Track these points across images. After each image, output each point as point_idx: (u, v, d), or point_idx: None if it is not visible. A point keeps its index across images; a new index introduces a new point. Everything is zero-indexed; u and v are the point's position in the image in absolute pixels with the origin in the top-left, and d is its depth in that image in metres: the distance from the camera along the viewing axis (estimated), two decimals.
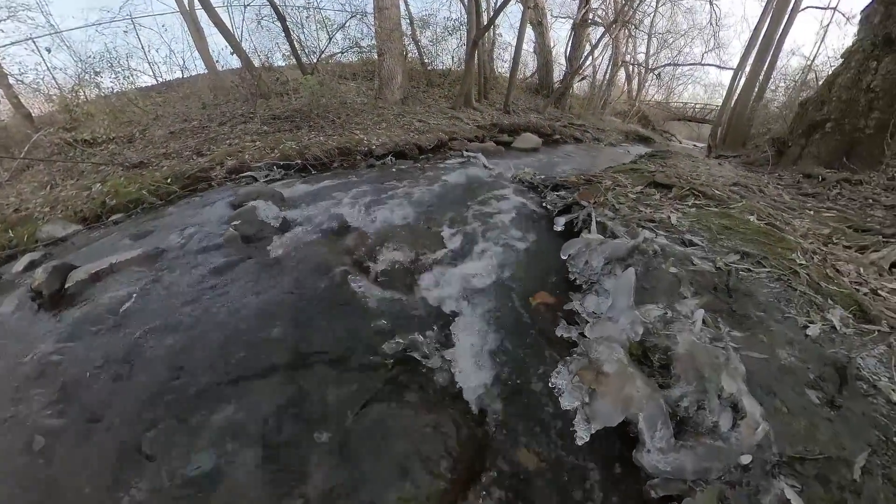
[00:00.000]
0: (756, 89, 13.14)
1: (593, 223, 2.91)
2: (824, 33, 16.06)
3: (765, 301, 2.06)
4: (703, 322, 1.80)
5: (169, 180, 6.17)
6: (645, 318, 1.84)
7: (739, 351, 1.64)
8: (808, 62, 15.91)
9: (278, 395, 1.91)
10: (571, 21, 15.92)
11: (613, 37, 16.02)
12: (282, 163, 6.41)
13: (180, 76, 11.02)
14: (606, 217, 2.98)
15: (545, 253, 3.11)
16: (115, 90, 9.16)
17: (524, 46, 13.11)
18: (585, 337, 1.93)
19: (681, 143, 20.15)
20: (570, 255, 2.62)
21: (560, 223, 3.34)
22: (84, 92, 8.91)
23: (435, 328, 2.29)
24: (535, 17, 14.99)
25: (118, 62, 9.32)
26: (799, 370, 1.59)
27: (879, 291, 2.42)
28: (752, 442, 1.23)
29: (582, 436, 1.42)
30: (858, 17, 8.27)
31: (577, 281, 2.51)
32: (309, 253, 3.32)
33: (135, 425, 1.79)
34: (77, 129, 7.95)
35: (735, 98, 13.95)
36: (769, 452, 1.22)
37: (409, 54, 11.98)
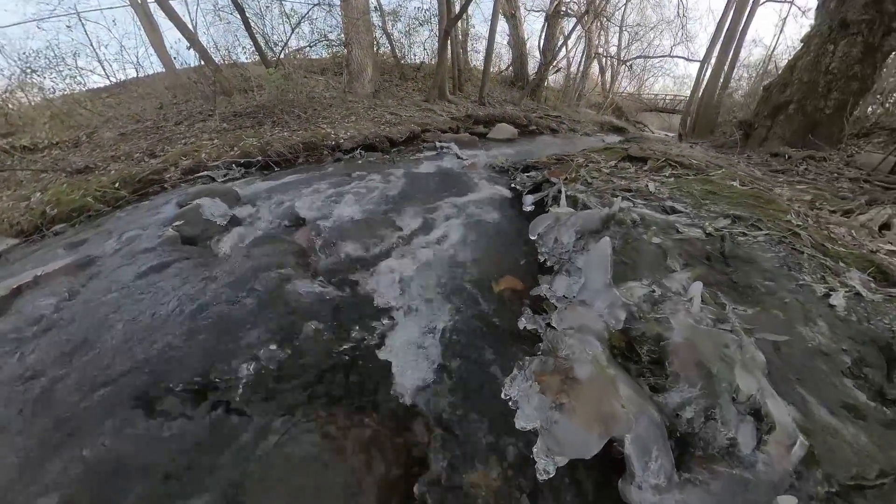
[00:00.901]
0: (722, 79, 13.67)
1: (563, 196, 2.54)
2: (783, 24, 16.72)
3: (770, 268, 1.69)
4: (702, 299, 1.43)
5: (117, 185, 5.56)
6: (627, 299, 1.46)
7: (752, 334, 1.28)
8: (769, 51, 16.40)
9: (180, 420, 1.48)
10: (544, 13, 15.69)
11: (586, 28, 15.88)
12: (242, 161, 5.86)
13: (135, 75, 10.19)
14: (577, 191, 2.62)
15: (513, 235, 2.74)
16: (60, 92, 8.31)
17: (499, 39, 12.81)
18: (552, 328, 1.52)
19: (653, 132, 20.26)
20: (538, 235, 2.26)
21: (528, 202, 2.95)
22: (25, 94, 8.05)
23: (381, 326, 1.90)
24: (509, 10, 14.67)
25: (62, 60, 8.44)
26: (831, 353, 1.23)
27: (878, 252, 2.17)
28: (787, 466, 0.85)
29: (545, 470, 1.02)
30: (815, 6, 8.49)
31: (547, 262, 2.13)
32: (252, 251, 2.85)
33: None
34: (14, 134, 7.15)
35: (702, 88, 14.53)
36: (813, 480, 0.85)
37: (381, 48, 11.47)
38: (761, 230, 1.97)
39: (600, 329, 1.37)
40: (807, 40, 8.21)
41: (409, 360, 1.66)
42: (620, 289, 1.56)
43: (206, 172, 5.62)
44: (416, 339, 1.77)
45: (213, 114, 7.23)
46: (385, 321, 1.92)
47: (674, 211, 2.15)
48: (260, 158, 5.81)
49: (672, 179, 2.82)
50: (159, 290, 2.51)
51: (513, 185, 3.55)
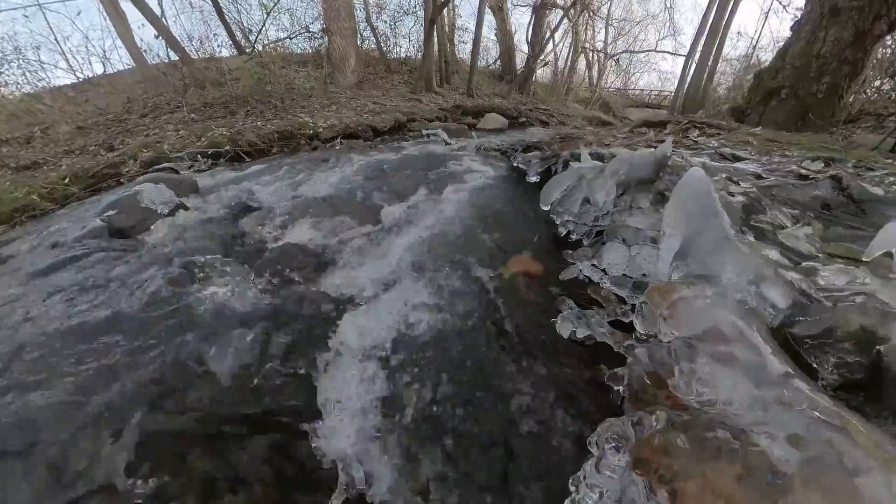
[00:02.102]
0: (706, 73, 13.65)
1: (585, 152, 2.00)
2: (765, 18, 16.68)
3: None
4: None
5: (67, 180, 4.88)
6: (783, 265, 0.82)
7: None
8: (752, 43, 16.38)
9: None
10: (531, 6, 15.26)
11: (573, 22, 15.51)
12: (209, 151, 5.22)
13: (102, 70, 9.38)
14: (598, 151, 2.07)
15: (518, 209, 2.20)
16: (20, 89, 7.53)
17: (486, 34, 12.32)
18: (643, 338, 0.87)
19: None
20: (555, 201, 1.73)
21: (534, 172, 2.43)
22: None
23: (326, 351, 1.33)
24: (496, 3, 14.19)
25: (21, 54, 7.65)
26: None
27: None
28: None
29: None
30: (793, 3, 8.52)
31: (573, 234, 1.62)
32: (186, 243, 2.28)
33: None
34: None
35: (688, 82, 14.45)
36: None
37: (366, 42, 10.86)
38: (874, 171, 1.47)
39: (752, 333, 0.69)
40: (797, 29, 8.27)
41: (360, 415, 1.03)
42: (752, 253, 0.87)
43: (167, 164, 4.98)
44: (377, 376, 1.16)
45: (183, 105, 6.56)
46: (337, 338, 1.36)
47: (737, 158, 1.64)
48: (229, 149, 5.19)
49: (703, 139, 2.32)
50: (39, 298, 1.89)
51: (515, 164, 2.99)
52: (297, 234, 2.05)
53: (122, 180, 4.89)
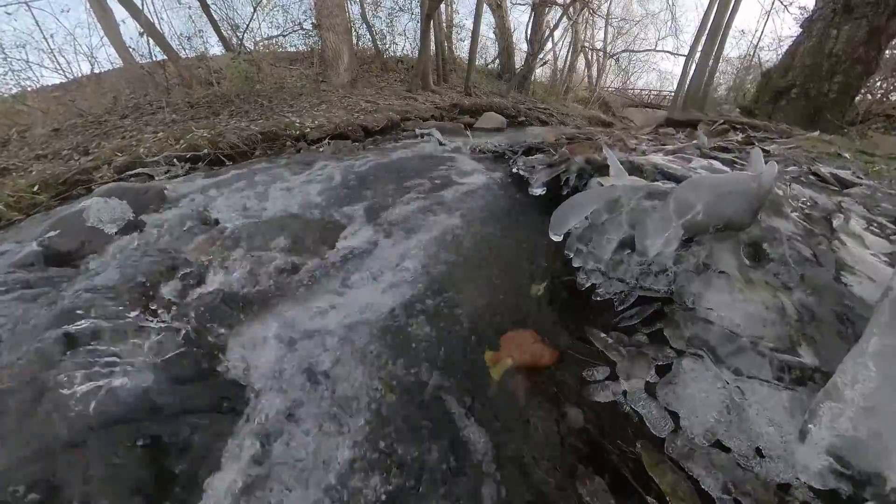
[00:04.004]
0: (707, 73, 13.25)
1: (614, 158, 1.39)
2: (767, 17, 16.17)
3: None
4: None
5: (36, 188, 4.43)
6: None
7: None
8: (751, 40, 15.84)
9: None
10: (530, 3, 14.64)
11: (573, 21, 14.90)
12: (188, 155, 4.75)
13: (90, 69, 8.85)
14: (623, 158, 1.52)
15: (515, 238, 1.68)
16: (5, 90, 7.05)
17: (485, 31, 11.75)
18: None
19: (639, 127, 19.44)
20: (572, 233, 1.21)
21: (538, 183, 1.91)
22: None
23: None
24: (494, 0, 13.59)
25: (3, 52, 7.16)
26: None
27: None
28: None
29: None
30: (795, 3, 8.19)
31: (600, 288, 1.03)
32: (123, 273, 1.82)
33: None
34: None
35: (688, 82, 14.02)
36: None
37: (362, 39, 10.31)
38: None
39: None
40: (808, 26, 7.89)
41: None
42: None
43: (142, 170, 4.51)
44: None
45: (166, 105, 6.07)
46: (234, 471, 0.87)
47: (843, 183, 1.14)
48: (208, 152, 4.71)
49: (754, 145, 1.80)
50: None
51: (514, 171, 2.46)
52: (243, 263, 1.59)
53: (93, 187, 4.42)
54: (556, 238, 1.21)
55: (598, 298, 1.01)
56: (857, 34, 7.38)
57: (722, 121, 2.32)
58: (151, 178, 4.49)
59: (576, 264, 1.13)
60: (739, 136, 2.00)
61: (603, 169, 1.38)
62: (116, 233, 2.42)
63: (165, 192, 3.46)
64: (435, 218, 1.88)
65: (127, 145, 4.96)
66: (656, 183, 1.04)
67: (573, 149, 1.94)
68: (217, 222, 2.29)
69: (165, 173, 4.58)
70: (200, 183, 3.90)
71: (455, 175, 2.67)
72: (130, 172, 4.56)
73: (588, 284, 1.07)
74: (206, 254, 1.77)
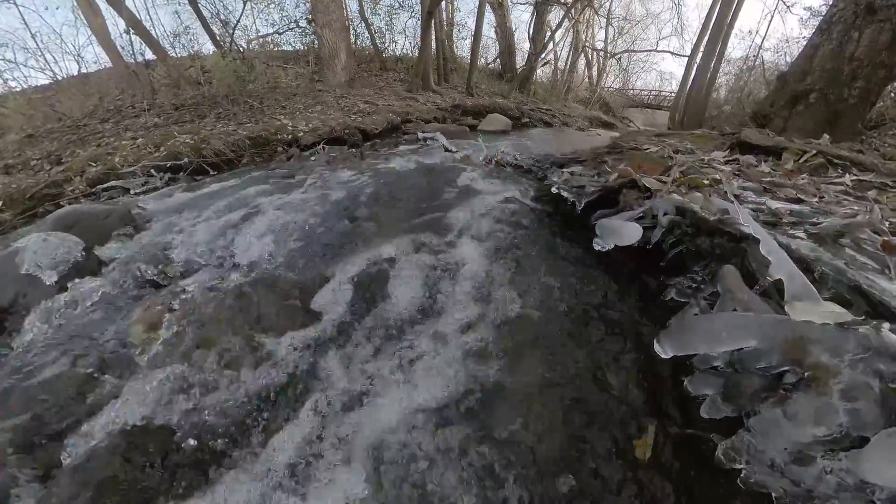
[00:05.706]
0: (709, 73, 12.72)
1: (774, 245, 0.77)
2: (771, 17, 15.65)
3: None
4: None
5: (1, 203, 3.90)
6: None
7: None
8: (752, 41, 15.34)
9: None
10: (531, 3, 14.03)
11: (575, 20, 14.30)
12: (168, 164, 4.21)
13: (77, 69, 8.26)
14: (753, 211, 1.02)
15: (589, 334, 1.07)
16: None
17: (486, 31, 11.16)
18: None
19: (640, 129, 18.88)
20: (706, 364, 0.68)
21: (612, 237, 1.12)
22: None
23: None
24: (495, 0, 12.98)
25: None
26: None
27: None
28: None
29: None
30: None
31: (753, 480, 0.57)
32: (46, 356, 1.32)
33: None
34: None
35: (690, 83, 13.47)
36: None
37: (361, 38, 9.73)
38: None
39: None
40: (828, 27, 7.42)
41: None
42: None
43: (116, 182, 3.98)
44: None
45: (149, 108, 5.51)
46: None
47: None
48: (189, 160, 4.18)
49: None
50: None
51: (554, 190, 1.82)
52: (195, 352, 1.09)
53: (62, 203, 3.89)
54: (665, 356, 0.71)
55: (749, 487, 0.52)
56: (879, 38, 6.88)
57: (814, 151, 1.81)
58: (127, 191, 3.96)
59: (705, 414, 0.63)
60: (847, 179, 1.46)
61: (714, 233, 0.84)
62: (57, 281, 1.90)
63: (134, 212, 2.94)
64: (451, 286, 1.22)
65: (102, 153, 4.42)
66: (888, 332, 0.51)
67: (640, 165, 1.40)
68: (173, 278, 1.76)
69: (143, 185, 4.05)
70: (178, 199, 3.38)
71: (472, 197, 2.06)
72: (103, 186, 4.03)
73: (733, 468, 0.58)
74: (148, 333, 1.26)
